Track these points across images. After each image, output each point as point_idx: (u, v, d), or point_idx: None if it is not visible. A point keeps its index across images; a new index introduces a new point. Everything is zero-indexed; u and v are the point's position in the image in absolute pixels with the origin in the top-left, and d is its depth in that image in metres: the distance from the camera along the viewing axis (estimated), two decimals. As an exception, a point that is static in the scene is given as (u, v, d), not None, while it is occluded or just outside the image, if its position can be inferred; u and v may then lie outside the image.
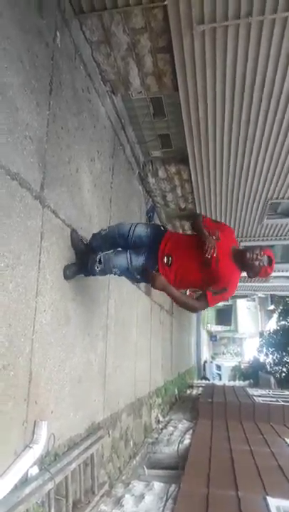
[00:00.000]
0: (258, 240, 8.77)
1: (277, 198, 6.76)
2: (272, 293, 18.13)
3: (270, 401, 9.18)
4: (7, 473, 2.24)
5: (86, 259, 3.20)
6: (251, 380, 20.37)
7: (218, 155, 5.49)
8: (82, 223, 3.65)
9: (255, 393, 10.61)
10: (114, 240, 3.22)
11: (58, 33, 3.20)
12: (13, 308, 2.42)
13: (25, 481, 2.39)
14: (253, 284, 12.20)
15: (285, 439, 6.35)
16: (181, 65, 4.00)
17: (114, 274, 3.16)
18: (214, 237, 2.81)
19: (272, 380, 16.86)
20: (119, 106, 4.89)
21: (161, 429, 6.91)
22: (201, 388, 12.84)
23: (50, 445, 2.76)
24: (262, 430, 6.90)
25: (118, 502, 3.62)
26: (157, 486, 4.03)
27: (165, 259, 2.93)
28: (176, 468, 4.96)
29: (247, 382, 20.12)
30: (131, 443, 5.22)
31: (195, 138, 5.14)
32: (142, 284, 6.38)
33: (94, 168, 4.04)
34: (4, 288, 2.33)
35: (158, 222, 8.05)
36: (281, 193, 6.50)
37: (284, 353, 23.46)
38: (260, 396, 10.03)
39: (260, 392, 11.24)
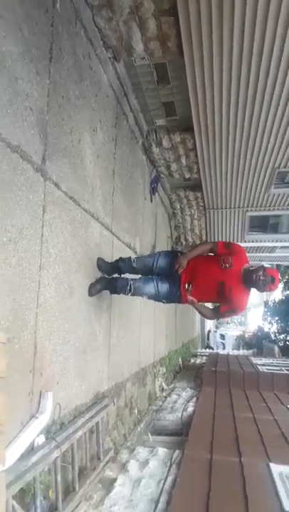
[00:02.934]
0: (265, 209, 8.68)
1: (285, 167, 6.66)
2: (277, 263, 18.07)
3: (274, 370, 9.32)
4: (14, 443, 2.29)
5: (115, 281, 3.77)
6: (255, 349, 20.65)
7: (224, 122, 5.36)
8: (85, 195, 3.61)
9: (259, 362, 10.76)
10: (142, 270, 3.78)
11: (57, -3, 3.06)
12: (17, 282, 2.42)
13: (31, 450, 2.46)
14: (259, 254, 12.16)
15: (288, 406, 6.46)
16: (187, 27, 3.85)
17: (143, 297, 3.75)
18: (227, 265, 3.32)
19: (276, 349, 17.10)
20: (122, 73, 4.73)
21: (165, 397, 7.06)
22: (204, 357, 13.04)
23: (56, 414, 2.82)
24: (265, 398, 7.01)
25: (123, 467, 3.72)
26: (161, 451, 4.13)
27: (186, 286, 3.49)
28: (180, 434, 5.08)
29: (251, 351, 20.40)
30: (135, 411, 5.34)
31: (200, 104, 5.00)
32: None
33: (96, 139, 3.96)
34: (7, 262, 2.32)
35: (162, 191, 7.97)
36: (289, 161, 6.38)
37: (288, 322, 23.72)
38: (264, 365, 10.17)
39: (264, 361, 11.40)
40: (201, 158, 6.45)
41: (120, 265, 3.83)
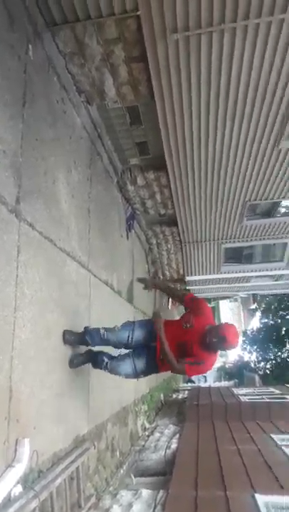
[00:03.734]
0: (239, 240, 8.86)
1: (255, 200, 6.86)
2: (254, 292, 18.29)
3: (256, 399, 9.28)
4: (-11, 495, 2.20)
5: (92, 356, 3.67)
6: (236, 380, 20.55)
7: (195, 159, 5.54)
8: (61, 234, 3.63)
9: (241, 392, 10.71)
10: (114, 344, 3.60)
11: (30, 46, 3.19)
12: (-9, 325, 2.39)
13: (8, 501, 2.35)
14: (235, 284, 12.31)
15: (271, 435, 6.41)
16: (156, 73, 4.02)
17: (120, 377, 3.62)
18: (188, 325, 3.31)
19: (256, 378, 17.07)
20: (95, 116, 4.88)
21: (148, 436, 6.90)
22: (186, 391, 12.86)
23: (33, 462, 2.72)
24: (248, 428, 6.96)
25: (106, 514, 3.59)
26: (145, 493, 4.02)
27: (161, 357, 3.35)
28: (164, 474, 4.96)
29: (232, 382, 20.29)
30: (117, 453, 5.19)
31: (172, 144, 5.17)
32: (123, 292, 6.38)
33: (71, 179, 4.02)
34: (-19, 306, 2.29)
35: (138, 228, 8.07)
36: (259, 194, 6.60)
37: (267, 350, 23.84)
38: (245, 395, 10.13)
39: (245, 390, 11.35)
40: (174, 194, 6.60)
41: (87, 340, 3.59)
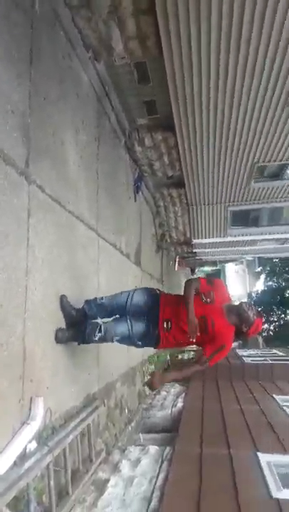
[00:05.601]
0: (246, 203, 8.77)
1: (263, 161, 6.72)
2: (259, 255, 18.31)
3: (259, 360, 9.47)
4: (6, 451, 2.28)
5: (83, 326, 3.19)
6: (240, 341, 20.87)
7: (204, 119, 5.38)
8: (70, 197, 3.59)
9: (244, 353, 10.90)
10: (111, 309, 3.27)
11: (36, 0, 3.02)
12: (4, 288, 2.40)
13: (24, 456, 2.45)
14: (241, 248, 12.29)
15: (274, 395, 6.58)
16: (165, 25, 3.83)
17: (115, 342, 3.20)
18: (209, 300, 3.00)
19: (260, 339, 17.32)
20: (103, 73, 4.71)
21: (155, 395, 7.09)
22: (192, 352, 13.12)
23: (47, 419, 2.81)
24: (251, 389, 7.14)
25: (115, 468, 3.74)
26: (152, 449, 4.16)
27: (165, 325, 3.06)
28: (170, 431, 5.13)
29: (236, 343, 20.63)
30: (126, 410, 5.36)
31: (180, 102, 5.00)
32: (131, 255, 6.39)
33: (79, 140, 3.93)
34: (-7, 269, 2.30)
35: (146, 190, 7.97)
36: (267, 156, 6.45)
37: (271, 312, 24.13)
38: (249, 356, 10.33)
39: (248, 352, 11.56)
40: (182, 155, 6.47)
41: (84, 308, 3.31)
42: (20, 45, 2.77)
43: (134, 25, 3.92)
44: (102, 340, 3.15)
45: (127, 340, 3.18)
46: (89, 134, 4.27)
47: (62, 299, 3.26)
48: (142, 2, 3.70)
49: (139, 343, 3.18)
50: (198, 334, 2.84)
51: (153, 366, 8.14)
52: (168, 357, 10.69)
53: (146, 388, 3.16)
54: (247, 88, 4.63)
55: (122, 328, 3.12)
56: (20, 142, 2.70)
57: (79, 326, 3.25)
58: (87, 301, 3.37)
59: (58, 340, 3.12)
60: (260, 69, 4.28)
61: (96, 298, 3.38)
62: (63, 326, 3.24)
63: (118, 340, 3.19)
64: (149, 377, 3.05)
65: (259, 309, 3.15)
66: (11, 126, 2.59)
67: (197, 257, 14.56)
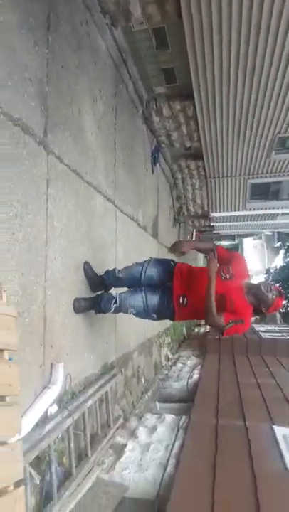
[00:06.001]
0: (266, 176, 8.60)
1: (285, 133, 6.56)
2: (278, 230, 18.05)
3: (276, 336, 9.46)
4: (28, 413, 2.36)
5: (100, 297, 3.28)
6: (257, 316, 20.84)
7: (224, 88, 5.24)
8: (87, 168, 3.57)
9: (262, 329, 10.90)
10: (128, 281, 3.31)
11: None
12: (24, 257, 2.43)
13: (45, 419, 2.53)
14: (260, 222, 12.13)
15: (291, 370, 6.61)
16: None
17: (130, 314, 3.21)
18: (228, 276, 2.90)
19: (278, 315, 17.27)
20: (120, 39, 4.59)
21: (171, 366, 7.21)
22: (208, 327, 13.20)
23: (67, 385, 2.89)
24: (268, 364, 7.16)
25: (132, 434, 3.84)
26: (169, 418, 4.25)
27: (180, 299, 3.02)
28: (186, 401, 5.22)
29: (253, 318, 20.63)
30: (142, 380, 5.46)
31: (200, 69, 4.88)
32: (149, 227, 6.38)
33: (96, 109, 3.88)
34: (14, 238, 2.32)
35: (163, 162, 7.87)
36: (290, 126, 6.28)
37: (289, 289, 23.89)
38: (266, 332, 10.32)
39: (266, 327, 11.55)
40: (201, 125, 6.34)
41: (103, 277, 3.40)
42: (37, 11, 2.71)
43: (152, -13, 3.80)
44: (118, 310, 3.20)
45: (143, 313, 3.18)
46: (106, 104, 4.20)
47: (85, 265, 3.38)
48: None
49: (154, 315, 3.17)
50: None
51: (169, 338, 8.24)
52: (184, 330, 10.79)
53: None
54: (269, 55, 4.48)
55: (137, 300, 3.13)
56: (38, 111, 2.68)
57: (97, 296, 3.34)
58: (107, 271, 3.42)
59: (76, 309, 3.18)
60: (283, 36, 4.12)
61: (115, 269, 3.40)
62: (81, 295, 3.29)
63: (134, 314, 3.21)
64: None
65: (279, 287, 3.03)
66: (29, 94, 2.57)
67: (215, 231, 14.46)
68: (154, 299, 3.11)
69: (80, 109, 3.45)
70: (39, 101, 2.69)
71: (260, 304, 2.93)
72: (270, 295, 2.88)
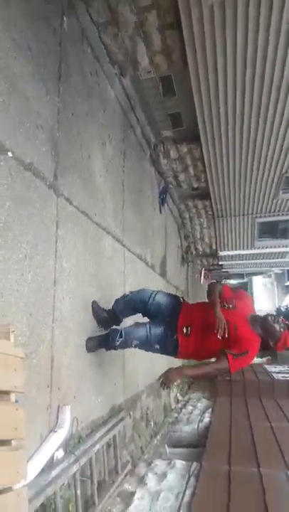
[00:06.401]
0: (274, 215, 8.65)
1: (292, 171, 6.65)
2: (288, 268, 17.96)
3: (289, 377, 9.21)
4: (35, 457, 2.31)
5: (106, 335, 3.31)
6: (269, 357, 20.39)
7: (229, 131, 5.39)
8: (96, 209, 3.65)
9: (274, 370, 10.63)
10: (135, 303, 3.35)
11: (64, 18, 3.14)
12: (33, 297, 2.45)
13: (51, 464, 2.47)
14: (269, 260, 12.10)
15: (307, 414, 6.38)
16: (190, 40, 3.89)
17: (134, 347, 3.26)
18: (231, 305, 2.96)
19: (290, 355, 16.82)
20: (128, 87, 4.81)
21: (181, 409, 7.02)
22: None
23: (73, 428, 2.83)
24: (282, 406, 6.94)
25: (141, 481, 3.70)
26: (179, 464, 4.10)
27: (184, 330, 3.03)
28: (197, 446, 5.04)
29: (265, 359, 20.16)
30: (152, 423, 5.32)
31: (206, 114, 5.04)
32: (157, 266, 6.40)
33: (105, 153, 4.01)
34: (23, 278, 2.35)
35: (171, 202, 8.00)
36: (296, 165, 6.38)
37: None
38: (279, 372, 10.05)
39: (278, 368, 11.26)
40: (208, 167, 6.48)
41: (113, 307, 3.46)
42: (49, 62, 2.87)
43: (159, 39, 4.01)
44: (124, 344, 3.22)
45: (146, 343, 3.17)
46: (115, 148, 4.35)
47: (93, 305, 3.40)
48: (167, 17, 3.78)
49: (157, 346, 3.15)
50: (226, 336, 2.73)
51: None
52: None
53: (160, 386, 3.07)
54: (274, 99, 4.62)
55: (141, 331, 3.16)
56: (49, 156, 2.78)
57: (105, 334, 3.36)
58: (116, 300, 3.48)
59: (88, 349, 3.22)
60: (288, 80, 4.28)
61: (124, 294, 3.49)
62: (90, 335, 3.28)
63: (137, 345, 3.21)
64: (163, 378, 2.96)
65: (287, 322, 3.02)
66: (41, 140, 2.68)
67: (223, 270, 14.43)
68: (157, 330, 3.13)
69: (90, 154, 3.57)
70: (50, 146, 2.79)
71: (267, 337, 2.93)
72: (277, 326, 2.89)
